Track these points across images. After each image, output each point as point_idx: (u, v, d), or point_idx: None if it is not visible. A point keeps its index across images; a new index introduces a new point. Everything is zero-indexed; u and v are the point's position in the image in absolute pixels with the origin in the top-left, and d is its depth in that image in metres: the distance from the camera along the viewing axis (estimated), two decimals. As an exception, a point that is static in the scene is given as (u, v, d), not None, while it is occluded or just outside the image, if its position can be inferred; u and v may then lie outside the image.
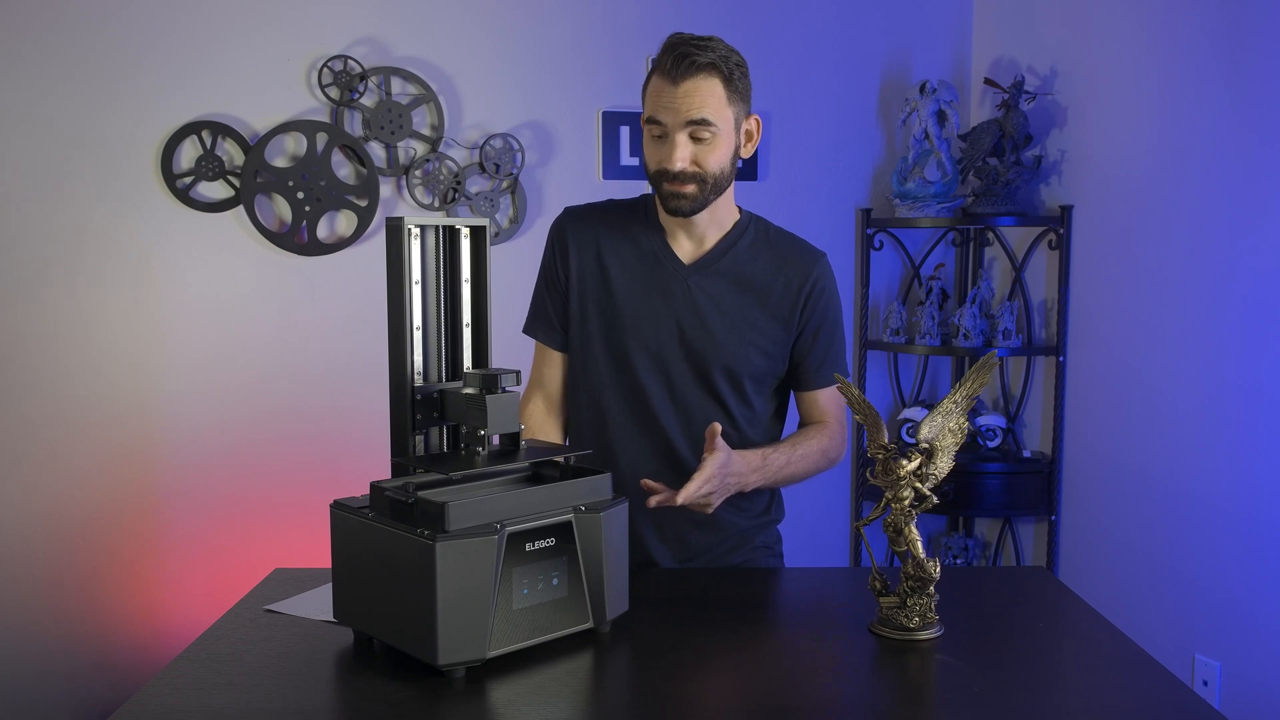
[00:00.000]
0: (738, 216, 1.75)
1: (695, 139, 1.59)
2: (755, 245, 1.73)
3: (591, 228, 1.76)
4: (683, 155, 1.59)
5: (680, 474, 1.69)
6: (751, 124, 1.67)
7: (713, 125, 1.58)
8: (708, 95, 1.57)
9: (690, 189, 1.61)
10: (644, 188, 3.11)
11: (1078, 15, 3.03)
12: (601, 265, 1.73)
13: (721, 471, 1.55)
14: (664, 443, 1.71)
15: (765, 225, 1.77)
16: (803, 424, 1.81)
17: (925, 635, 1.37)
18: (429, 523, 1.23)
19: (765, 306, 1.71)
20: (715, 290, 1.70)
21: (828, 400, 1.78)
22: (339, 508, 1.35)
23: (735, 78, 1.60)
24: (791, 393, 1.82)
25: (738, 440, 1.72)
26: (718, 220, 1.71)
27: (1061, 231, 3.07)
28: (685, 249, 1.72)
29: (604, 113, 3.10)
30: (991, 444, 3.24)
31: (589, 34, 3.07)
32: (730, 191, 1.70)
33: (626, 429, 1.72)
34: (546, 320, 1.79)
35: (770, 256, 1.72)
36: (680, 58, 1.56)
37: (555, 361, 1.80)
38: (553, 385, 1.82)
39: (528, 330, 1.83)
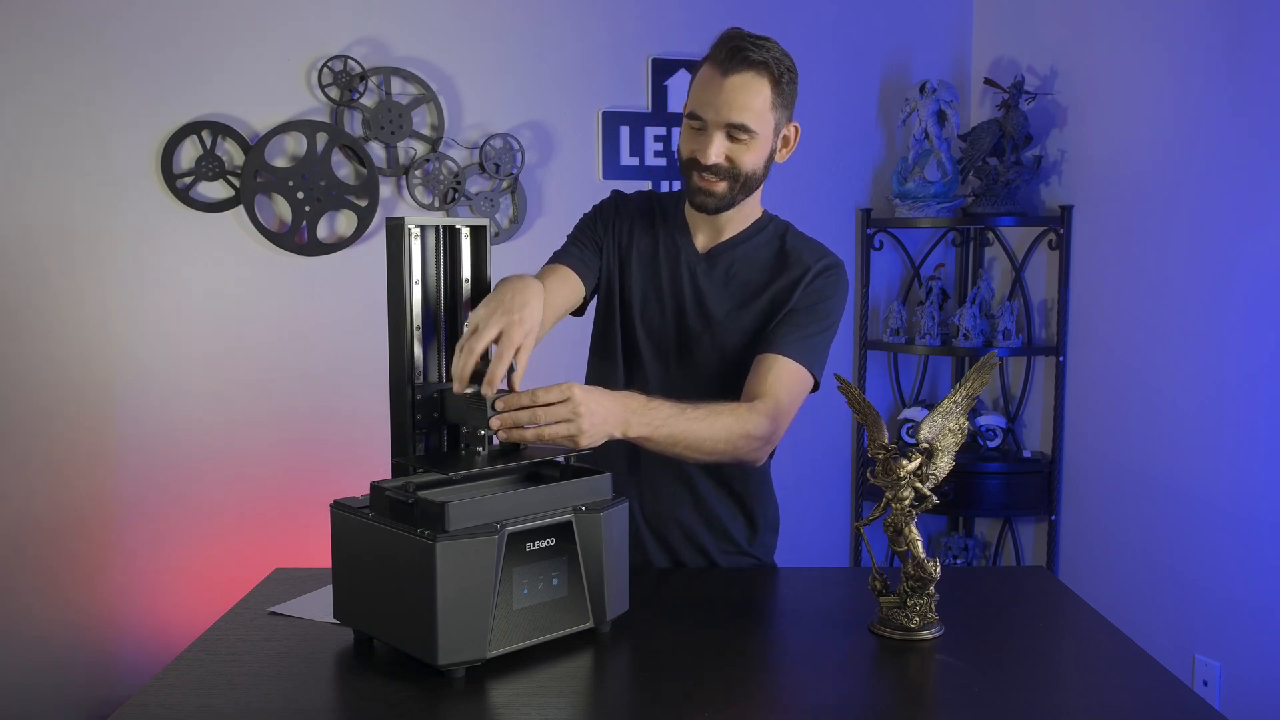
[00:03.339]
0: (759, 215, 1.75)
1: (732, 139, 1.58)
2: (768, 244, 1.73)
3: (630, 213, 1.77)
4: (717, 150, 1.58)
5: (676, 462, 1.68)
6: (790, 130, 1.67)
7: (752, 131, 1.57)
8: (753, 95, 1.56)
9: (721, 187, 1.61)
10: (643, 187, 3.12)
11: (1078, 15, 3.03)
12: (627, 250, 1.74)
13: (551, 394, 1.34)
14: None
15: (784, 227, 1.76)
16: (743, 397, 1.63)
17: (925, 635, 1.37)
18: (429, 523, 1.23)
19: (764, 301, 1.69)
20: (718, 280, 1.71)
21: (776, 375, 1.59)
22: (339, 508, 1.35)
23: (784, 82, 1.59)
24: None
25: None
26: (740, 218, 1.72)
27: (1061, 231, 3.07)
28: (701, 240, 1.74)
29: (604, 113, 3.10)
30: (991, 444, 3.24)
31: (589, 34, 3.07)
32: (758, 192, 1.70)
33: None
34: (568, 255, 1.71)
35: (779, 254, 1.72)
36: (735, 50, 1.55)
37: (563, 272, 1.68)
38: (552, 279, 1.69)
39: (555, 259, 1.71)
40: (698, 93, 1.59)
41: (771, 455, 1.74)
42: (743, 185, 1.62)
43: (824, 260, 1.69)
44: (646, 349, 1.73)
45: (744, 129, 1.56)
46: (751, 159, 1.60)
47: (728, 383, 1.68)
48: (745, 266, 1.71)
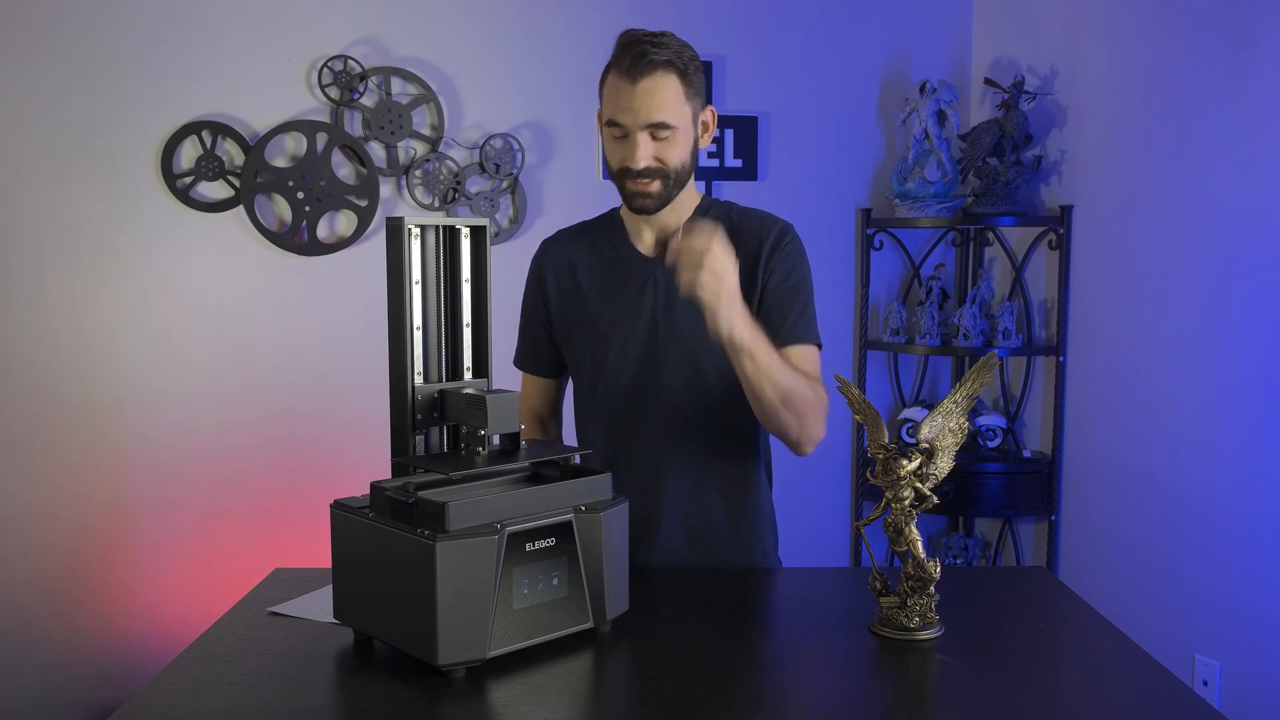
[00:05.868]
0: (698, 201, 1.76)
1: (655, 138, 1.61)
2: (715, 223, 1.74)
3: (563, 249, 1.80)
4: (645, 154, 1.60)
5: (689, 457, 1.70)
6: (708, 115, 1.70)
7: (672, 126, 1.60)
8: (666, 94, 1.58)
9: (654, 187, 1.63)
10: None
11: (1078, 15, 3.03)
12: (576, 282, 1.76)
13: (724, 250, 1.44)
14: (669, 431, 1.71)
15: (728, 206, 1.78)
16: None
17: (925, 635, 1.37)
18: (429, 523, 1.23)
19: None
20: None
21: (800, 359, 1.67)
22: (339, 508, 1.35)
23: (691, 73, 1.62)
24: None
25: (731, 417, 1.71)
26: (679, 210, 1.72)
27: (1061, 231, 3.07)
28: (647, 242, 1.75)
29: (604, 113, 3.10)
30: (991, 444, 3.24)
31: (589, 34, 3.07)
32: (692, 180, 1.72)
33: (631, 428, 1.73)
34: (535, 351, 1.84)
35: (730, 230, 1.72)
36: (638, 56, 1.58)
37: (544, 386, 1.87)
38: (544, 408, 1.89)
39: (518, 364, 1.88)
40: (611, 100, 1.62)
41: (770, 477, 1.83)
42: (675, 180, 1.65)
43: (775, 229, 1.71)
44: (638, 371, 1.72)
45: (664, 125, 1.59)
46: (677, 154, 1.62)
47: (723, 373, 1.68)
48: None
